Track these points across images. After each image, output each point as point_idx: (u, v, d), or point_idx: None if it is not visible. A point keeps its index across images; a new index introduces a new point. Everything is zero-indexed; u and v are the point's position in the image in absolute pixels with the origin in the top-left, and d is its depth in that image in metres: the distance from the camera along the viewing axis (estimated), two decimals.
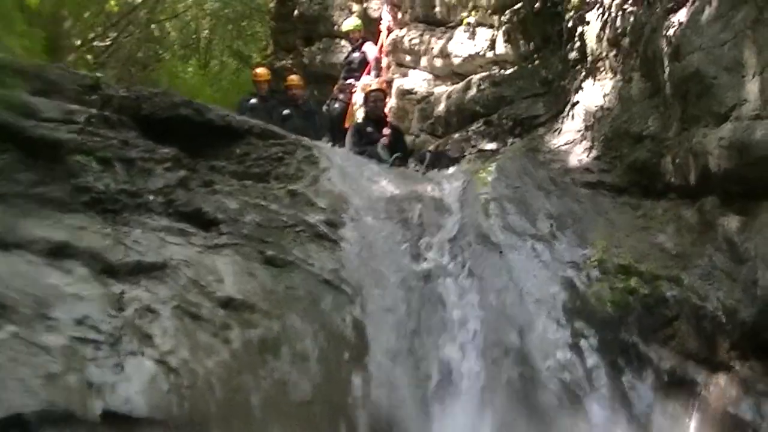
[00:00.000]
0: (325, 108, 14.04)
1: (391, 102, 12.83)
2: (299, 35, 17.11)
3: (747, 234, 6.11)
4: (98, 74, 8.03)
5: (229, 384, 5.08)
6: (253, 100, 13.17)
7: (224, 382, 5.07)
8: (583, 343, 6.37)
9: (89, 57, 16.96)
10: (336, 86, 14.06)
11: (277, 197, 7.00)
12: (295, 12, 16.80)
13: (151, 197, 6.24)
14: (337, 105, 13.75)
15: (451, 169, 8.77)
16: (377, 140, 9.92)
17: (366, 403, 5.55)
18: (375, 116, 10.50)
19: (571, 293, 6.77)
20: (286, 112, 12.84)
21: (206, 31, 24.32)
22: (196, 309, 5.45)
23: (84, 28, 16.52)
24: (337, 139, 12.77)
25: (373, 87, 10.93)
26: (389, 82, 12.80)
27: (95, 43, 17.57)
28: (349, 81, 13.85)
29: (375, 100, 10.64)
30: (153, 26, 20.74)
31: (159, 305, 5.36)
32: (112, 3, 16.77)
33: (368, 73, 13.81)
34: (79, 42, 16.22)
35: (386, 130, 10.12)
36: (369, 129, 10.22)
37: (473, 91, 10.91)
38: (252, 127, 7.68)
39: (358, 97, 13.44)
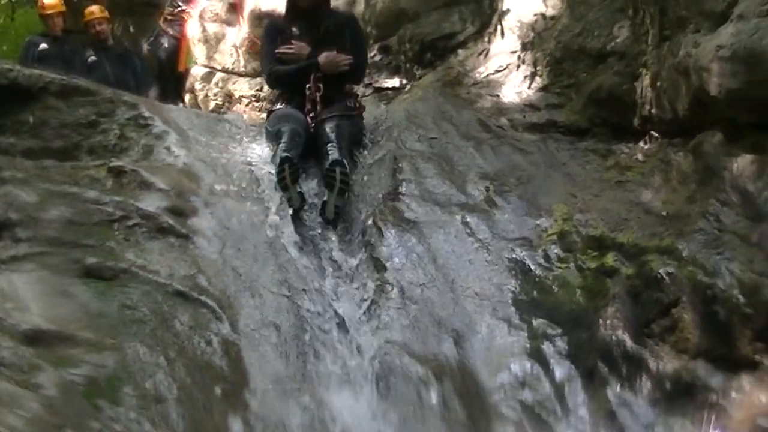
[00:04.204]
0: (146, 47, 13.84)
1: (243, 31, 12.65)
2: None
3: (766, 178, 6.08)
4: None
5: None
6: (43, 44, 12.80)
7: None
8: (546, 347, 6.30)
9: None
10: (162, 16, 13.85)
11: (94, 180, 6.86)
12: None
13: None
14: (165, 42, 13.59)
15: None
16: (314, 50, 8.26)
17: None
18: (305, 3, 8.46)
19: (523, 281, 6.75)
20: (92, 58, 12.56)
21: None
22: None
23: None
24: (170, 90, 12.60)
25: None
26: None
27: None
28: (180, 7, 13.66)
29: None
30: None
31: None
32: None
33: None
34: None
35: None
36: (294, 29, 8.42)
37: (360, 6, 10.86)
38: (49, 82, 7.44)
39: (193, 29, 13.25)
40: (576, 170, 7.50)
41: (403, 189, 7.40)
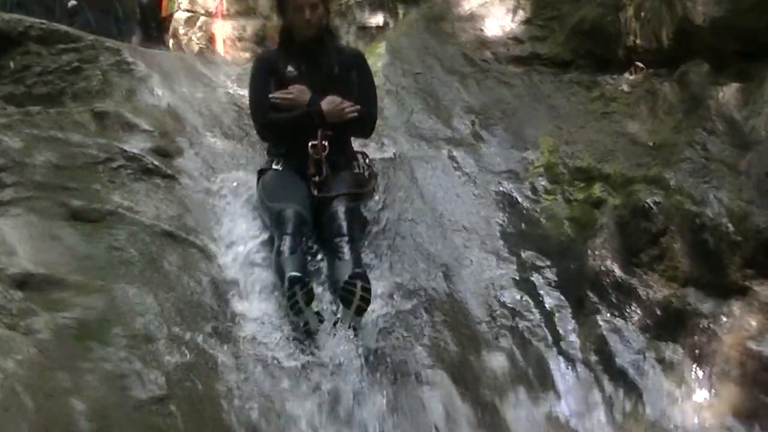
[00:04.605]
0: None
1: None
2: None
3: (751, 107, 6.04)
4: None
5: (42, 388, 4.73)
6: None
7: (34, 387, 4.72)
8: (536, 278, 6.32)
9: None
10: None
11: (78, 124, 6.76)
12: None
13: None
14: None
15: None
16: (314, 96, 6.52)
17: (242, 391, 5.30)
18: (303, 37, 6.66)
19: (511, 214, 6.74)
20: (72, 3, 12.33)
21: None
22: None
23: None
24: (152, 35, 12.44)
25: None
26: None
27: None
28: None
29: (302, 6, 6.52)
30: None
31: None
32: None
33: None
34: None
35: None
36: (290, 69, 6.69)
37: None
38: (28, 27, 7.33)
39: None
40: (561, 102, 7.43)
41: (388, 124, 7.28)
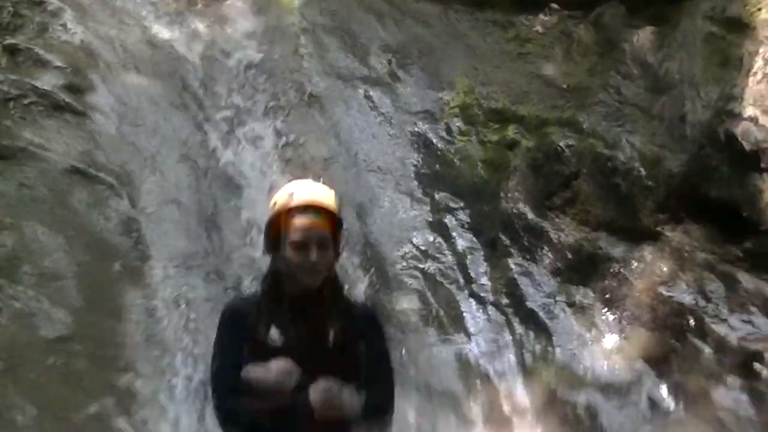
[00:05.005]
0: None
1: None
2: None
3: (666, 50, 6.06)
4: None
5: None
6: None
7: None
8: (449, 220, 6.29)
9: None
10: None
11: None
12: None
13: None
14: None
15: None
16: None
17: (150, 330, 5.28)
18: (300, 289, 3.97)
19: (426, 155, 6.68)
20: None
21: None
22: None
23: None
24: None
25: (302, 199, 3.91)
26: None
27: None
28: None
29: (306, 243, 3.82)
30: None
31: None
32: None
33: None
34: None
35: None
36: (273, 332, 4.02)
37: None
38: None
39: None
40: (477, 42, 7.35)
41: (304, 63, 7.17)
